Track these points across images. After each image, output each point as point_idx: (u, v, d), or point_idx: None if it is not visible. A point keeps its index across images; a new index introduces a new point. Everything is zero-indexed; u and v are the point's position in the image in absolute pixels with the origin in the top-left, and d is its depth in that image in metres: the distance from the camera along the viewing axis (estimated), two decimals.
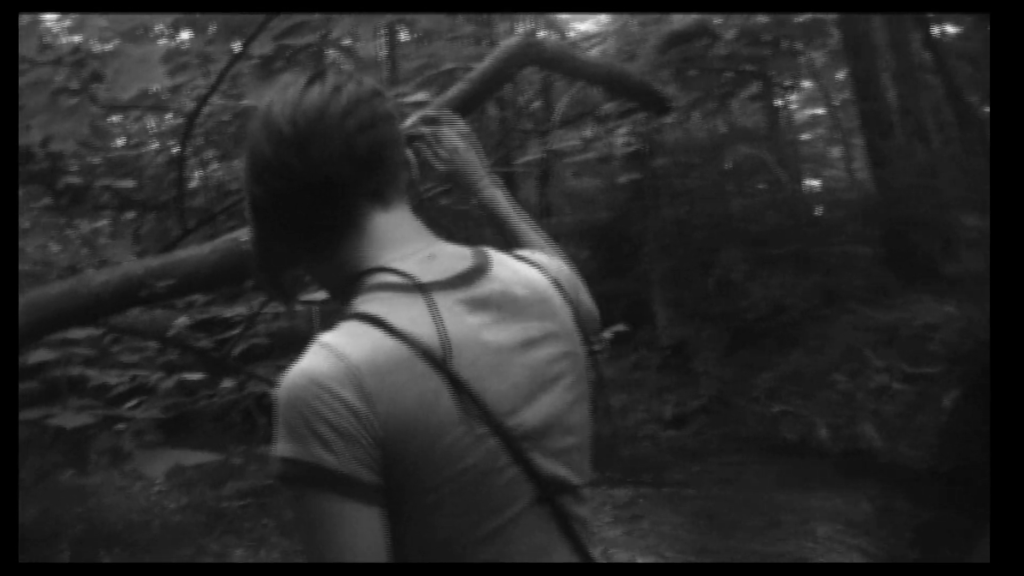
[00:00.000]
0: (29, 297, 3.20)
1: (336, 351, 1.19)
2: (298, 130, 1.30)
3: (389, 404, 1.17)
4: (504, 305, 1.31)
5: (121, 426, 4.64)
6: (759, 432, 11.41)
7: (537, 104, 16.37)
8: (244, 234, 3.39)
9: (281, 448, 1.17)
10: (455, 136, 1.70)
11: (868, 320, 11.21)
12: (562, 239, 16.95)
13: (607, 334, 5.23)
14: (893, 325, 10.66)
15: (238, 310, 5.87)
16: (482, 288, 1.31)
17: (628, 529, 8.28)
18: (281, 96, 1.34)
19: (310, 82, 1.35)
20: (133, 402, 5.72)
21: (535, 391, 1.29)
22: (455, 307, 1.27)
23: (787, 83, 16.83)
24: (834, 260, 13.49)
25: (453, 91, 4.68)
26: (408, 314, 1.23)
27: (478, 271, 1.34)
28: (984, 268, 11.57)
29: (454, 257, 1.36)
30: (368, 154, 1.33)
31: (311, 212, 1.33)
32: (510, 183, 16.40)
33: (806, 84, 19.68)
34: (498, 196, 1.74)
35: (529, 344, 1.31)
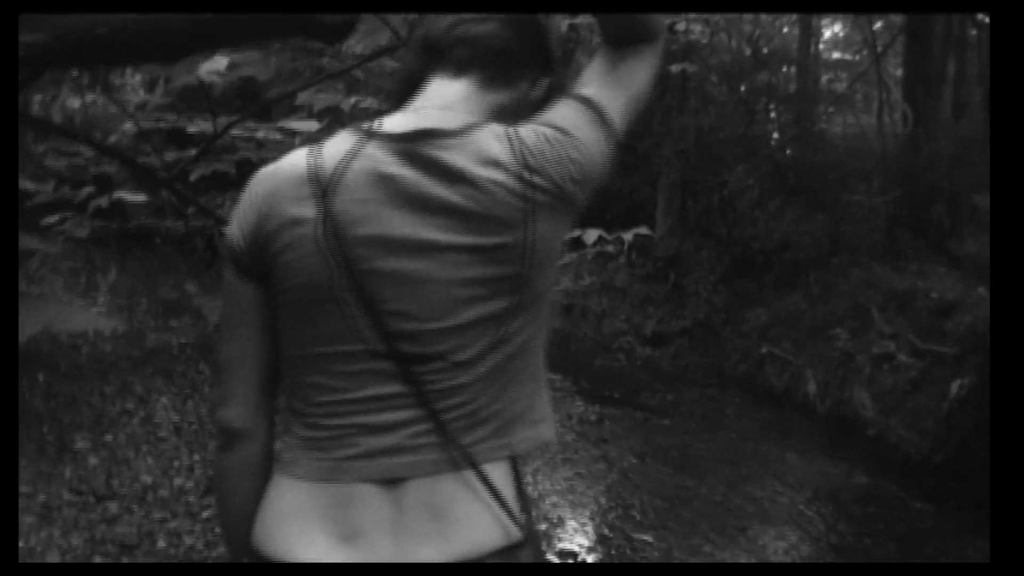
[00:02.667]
0: None
1: (281, 159, 1.46)
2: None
3: (271, 205, 1.40)
4: (434, 172, 1.37)
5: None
6: (743, 371, 10.85)
7: None
8: None
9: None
10: None
11: (880, 279, 10.58)
12: None
13: (628, 236, 4.70)
14: (908, 292, 10.03)
15: (202, 125, 5.03)
16: (420, 150, 1.39)
17: (593, 454, 7.69)
18: None
19: None
20: (54, 217, 5.02)
21: (412, 255, 1.36)
22: (379, 154, 1.40)
23: None
24: (851, 209, 12.85)
25: None
26: (336, 148, 1.43)
27: (438, 134, 1.40)
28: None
29: (433, 119, 1.43)
30: (455, 38, 1.52)
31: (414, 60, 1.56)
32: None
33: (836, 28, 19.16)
34: None
35: (433, 213, 1.36)
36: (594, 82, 1.51)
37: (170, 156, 5.11)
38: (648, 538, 6.16)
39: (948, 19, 13.44)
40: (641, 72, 1.53)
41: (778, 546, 6.40)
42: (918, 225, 12.16)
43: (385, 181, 1.37)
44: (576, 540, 6.09)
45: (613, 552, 5.94)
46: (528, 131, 1.42)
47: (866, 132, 16.59)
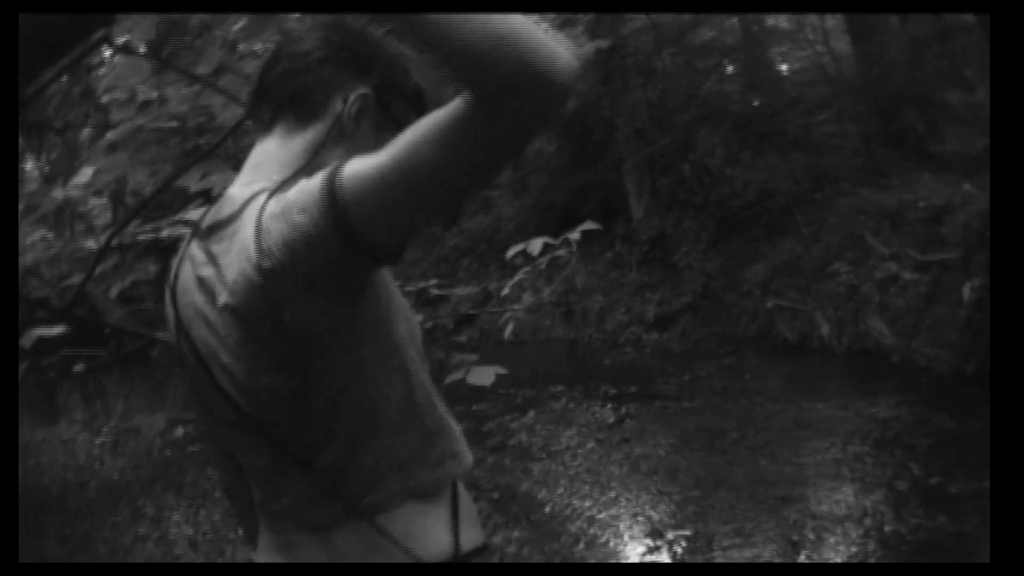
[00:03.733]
0: None
1: None
2: None
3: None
4: (225, 261, 1.33)
5: None
6: (753, 331, 10.48)
7: None
8: None
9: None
10: None
11: (867, 203, 10.21)
12: None
13: (575, 235, 4.39)
14: (896, 208, 9.67)
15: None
16: (212, 242, 1.37)
17: (617, 458, 7.32)
18: None
19: None
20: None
21: (227, 346, 1.34)
22: (195, 254, 1.40)
23: None
24: (821, 140, 12.51)
25: None
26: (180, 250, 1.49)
27: (226, 222, 1.35)
28: (979, 147, 10.91)
29: (227, 204, 1.38)
30: (255, 95, 1.48)
31: None
32: None
33: None
34: None
35: (228, 295, 1.31)
36: (382, 149, 1.19)
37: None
38: (687, 532, 5.78)
39: None
40: (445, 139, 1.12)
41: (825, 506, 6.01)
42: (892, 138, 11.80)
43: (199, 283, 1.38)
44: (613, 551, 5.71)
45: (653, 556, 5.56)
46: (273, 203, 1.28)
47: (820, 62, 16.24)
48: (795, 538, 5.53)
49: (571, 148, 15.15)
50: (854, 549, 5.37)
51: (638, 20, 13.54)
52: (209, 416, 1.48)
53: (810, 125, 12.90)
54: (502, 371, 3.20)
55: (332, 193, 1.18)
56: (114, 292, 4.96)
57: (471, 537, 1.47)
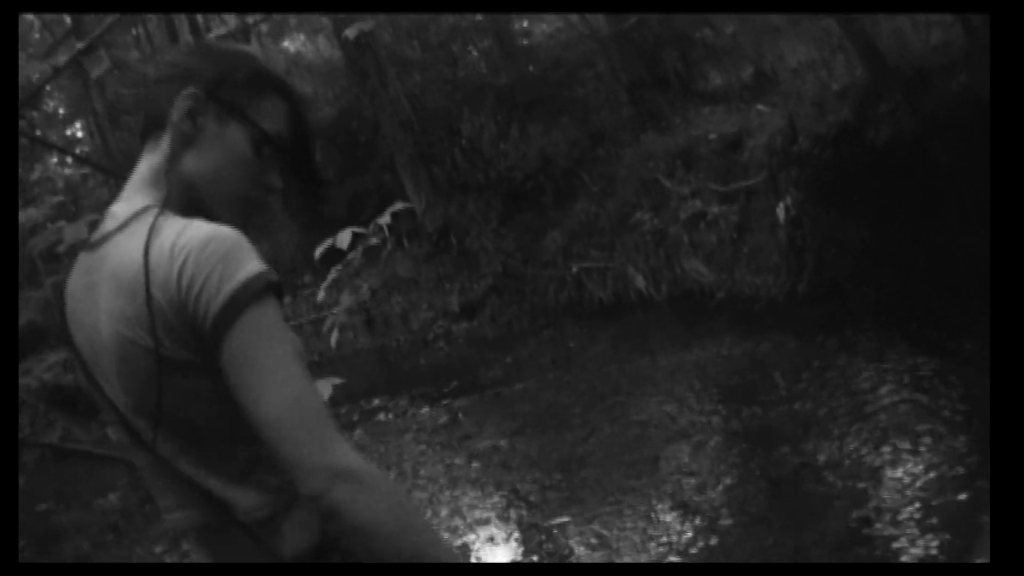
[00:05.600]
0: None
1: None
2: None
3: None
4: (100, 275, 1.39)
5: None
6: (565, 300, 10.05)
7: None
8: None
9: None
10: None
11: (652, 148, 9.95)
12: None
13: (384, 218, 3.90)
14: (685, 146, 9.42)
15: None
16: (99, 253, 1.41)
17: (464, 457, 6.67)
18: None
19: None
20: None
21: (99, 357, 1.40)
22: (80, 266, 1.46)
23: None
24: (588, 98, 12.24)
25: None
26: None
27: (112, 233, 1.40)
28: (743, 79, 10.92)
29: (115, 216, 1.43)
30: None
31: None
32: None
33: None
34: None
35: (99, 316, 1.38)
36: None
37: None
38: (566, 518, 5.20)
39: None
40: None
41: (696, 461, 5.58)
42: (658, 83, 11.62)
43: (85, 291, 1.43)
44: (492, 554, 5.08)
45: (540, 551, 4.96)
46: (165, 237, 1.35)
47: (570, 26, 16.12)
48: (684, 499, 5.05)
49: (337, 157, 14.48)
50: (741, 495, 4.95)
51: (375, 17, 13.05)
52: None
53: (574, 85, 12.61)
54: (337, 381, 2.85)
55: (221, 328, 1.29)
56: None
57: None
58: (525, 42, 16.05)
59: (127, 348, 1.34)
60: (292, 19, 15.44)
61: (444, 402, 8.10)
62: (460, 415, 7.69)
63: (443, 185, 12.92)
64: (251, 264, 1.30)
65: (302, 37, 18.55)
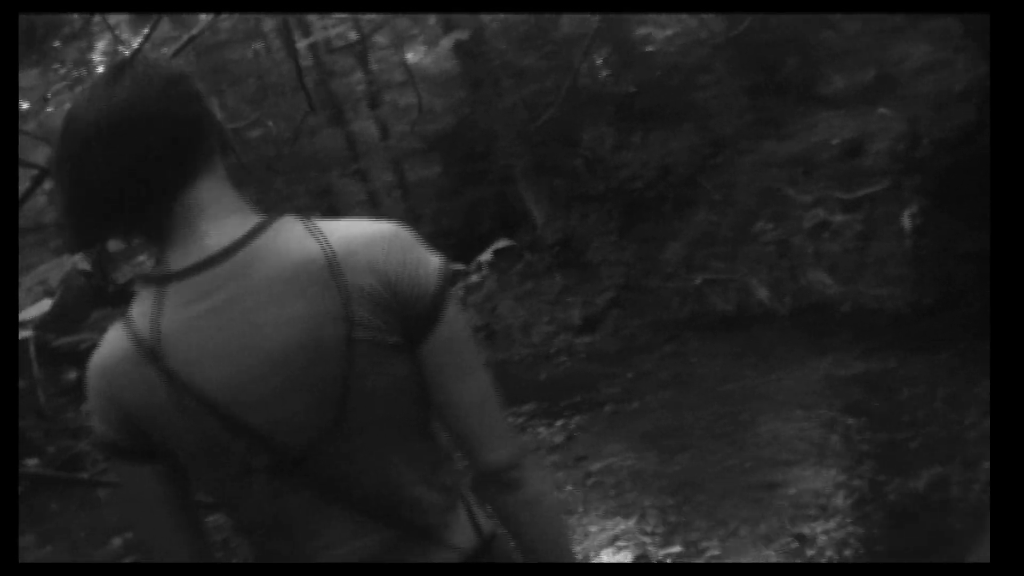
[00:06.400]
0: None
1: (102, 343, 1.39)
2: (112, 127, 1.33)
3: (120, 390, 1.35)
4: (244, 286, 1.33)
5: None
6: (687, 312, 9.90)
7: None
8: None
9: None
10: None
11: (773, 155, 9.73)
12: (406, 160, 15.65)
13: (486, 256, 3.90)
14: (806, 152, 9.18)
15: None
16: (224, 269, 1.34)
17: (577, 478, 6.60)
18: (90, 95, 1.37)
19: (115, 76, 1.38)
20: None
21: (264, 372, 1.31)
22: (181, 297, 1.34)
23: None
24: (708, 104, 12.01)
25: None
26: (141, 308, 1.36)
27: (236, 247, 1.34)
28: (866, 81, 10.59)
29: (223, 232, 1.36)
30: (185, 133, 1.38)
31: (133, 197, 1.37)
32: (338, 115, 14.87)
33: None
34: None
35: (262, 326, 1.32)
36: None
37: None
38: (677, 548, 5.09)
39: None
40: None
41: (814, 485, 5.39)
42: (778, 87, 11.35)
43: (203, 319, 1.33)
44: None
45: None
46: (351, 248, 1.39)
47: (688, 31, 15.90)
48: (800, 530, 4.88)
49: (455, 168, 14.54)
50: (859, 528, 4.76)
51: (495, 20, 13.12)
52: (214, 470, 1.40)
53: (692, 91, 12.40)
54: None
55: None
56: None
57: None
58: (649, 49, 15.89)
59: (323, 345, 1.31)
60: (413, 29, 15.53)
61: (561, 420, 8.04)
62: (577, 433, 7.63)
63: (562, 196, 12.86)
64: (433, 254, 1.39)
65: (423, 49, 18.72)
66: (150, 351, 1.32)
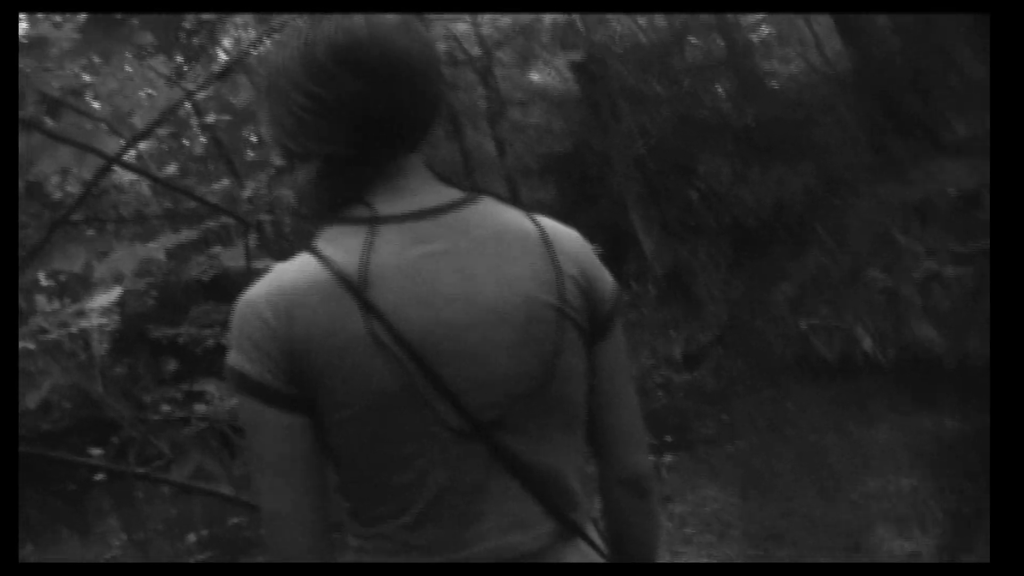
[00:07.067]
0: None
1: (272, 276, 1.33)
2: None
3: (301, 321, 1.27)
4: (461, 240, 1.35)
5: None
6: (790, 356, 9.72)
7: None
8: None
9: (228, 357, 1.31)
10: None
11: (889, 200, 9.50)
12: (520, 178, 15.72)
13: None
14: (923, 200, 8.96)
15: None
16: (440, 222, 1.36)
17: (661, 520, 6.53)
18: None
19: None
20: None
21: (475, 324, 1.31)
22: (398, 238, 1.33)
23: None
24: (827, 143, 11.82)
25: None
26: (345, 244, 1.32)
27: (449, 207, 1.37)
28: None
29: (433, 194, 1.39)
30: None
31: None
32: (456, 128, 14.99)
33: None
34: None
35: (478, 279, 1.33)
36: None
37: None
38: None
39: None
40: None
41: (903, 548, 5.23)
42: (900, 129, 11.11)
43: (421, 262, 1.33)
44: None
45: None
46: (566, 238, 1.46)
47: (813, 68, 15.66)
48: None
49: (570, 190, 14.58)
50: None
51: (617, 45, 13.11)
52: (389, 422, 1.31)
53: (812, 128, 12.21)
54: None
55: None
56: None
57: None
58: (775, 84, 15.69)
59: (538, 309, 1.34)
60: (537, 49, 15.60)
61: (652, 458, 7.96)
62: (667, 473, 7.55)
63: (674, 226, 12.79)
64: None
65: (549, 70, 18.79)
66: (358, 284, 1.27)
